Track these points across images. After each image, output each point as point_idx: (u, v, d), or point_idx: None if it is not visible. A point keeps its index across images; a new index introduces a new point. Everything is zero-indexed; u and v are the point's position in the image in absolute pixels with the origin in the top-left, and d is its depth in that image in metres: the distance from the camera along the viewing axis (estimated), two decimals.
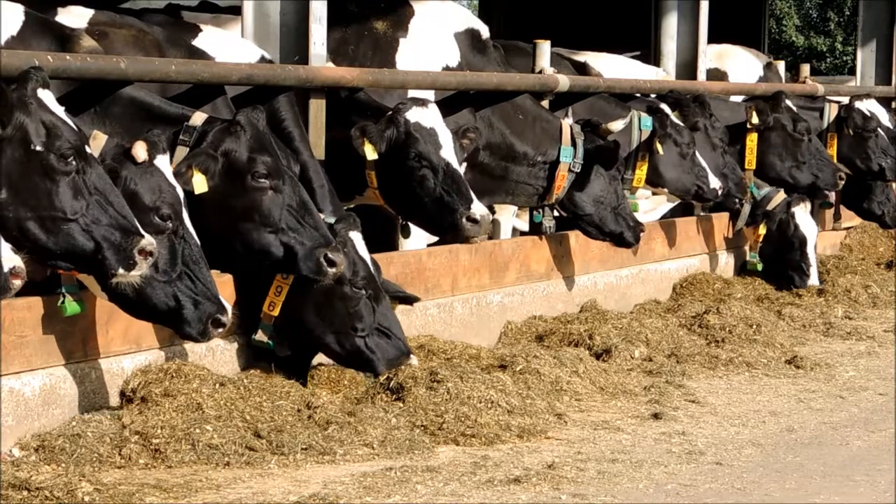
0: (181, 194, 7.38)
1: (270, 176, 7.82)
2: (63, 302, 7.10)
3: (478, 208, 9.17)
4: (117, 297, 7.11)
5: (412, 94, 10.48)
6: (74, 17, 8.68)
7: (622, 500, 7.04)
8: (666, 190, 11.88)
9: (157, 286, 7.19)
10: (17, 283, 6.23)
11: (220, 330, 7.34)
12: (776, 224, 13.46)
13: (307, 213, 7.92)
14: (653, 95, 12.79)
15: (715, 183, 11.92)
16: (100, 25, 8.67)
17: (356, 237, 8.46)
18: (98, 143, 7.28)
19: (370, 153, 9.16)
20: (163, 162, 7.33)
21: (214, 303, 7.29)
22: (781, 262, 13.48)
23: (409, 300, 9.02)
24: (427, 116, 9.31)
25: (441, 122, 9.35)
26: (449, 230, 9.35)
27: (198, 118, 7.89)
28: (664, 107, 12.04)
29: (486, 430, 7.99)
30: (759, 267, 13.56)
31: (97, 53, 8.03)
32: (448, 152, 9.29)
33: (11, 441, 7.00)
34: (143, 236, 6.83)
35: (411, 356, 8.47)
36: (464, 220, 9.15)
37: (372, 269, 8.47)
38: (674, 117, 12.00)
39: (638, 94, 12.69)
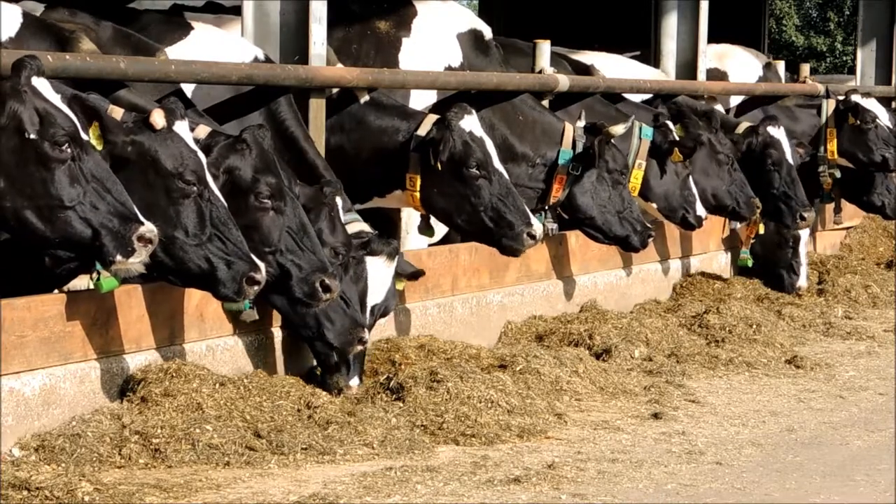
0: (203, 158, 7.41)
1: (273, 197, 7.77)
2: (98, 279, 7.04)
3: (537, 225, 9.25)
4: (150, 263, 7.03)
5: (414, 94, 10.48)
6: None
7: (622, 500, 7.04)
8: (654, 206, 11.75)
9: (189, 249, 7.21)
10: None
11: (256, 288, 7.31)
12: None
13: (306, 236, 7.89)
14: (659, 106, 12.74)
15: (701, 211, 11.76)
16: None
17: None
18: (115, 116, 7.29)
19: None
20: (182, 128, 7.36)
21: (247, 261, 7.28)
22: (774, 260, 13.46)
23: (416, 275, 9.02)
24: (476, 124, 9.33)
25: (482, 129, 9.37)
26: (506, 244, 9.36)
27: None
28: (669, 122, 11.91)
29: (486, 429, 7.99)
30: (750, 263, 13.52)
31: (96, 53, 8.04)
32: (497, 162, 9.33)
33: (11, 441, 7.00)
34: (142, 223, 6.78)
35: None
36: (525, 236, 9.20)
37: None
38: (676, 132, 11.87)
39: (640, 95, 12.67)
